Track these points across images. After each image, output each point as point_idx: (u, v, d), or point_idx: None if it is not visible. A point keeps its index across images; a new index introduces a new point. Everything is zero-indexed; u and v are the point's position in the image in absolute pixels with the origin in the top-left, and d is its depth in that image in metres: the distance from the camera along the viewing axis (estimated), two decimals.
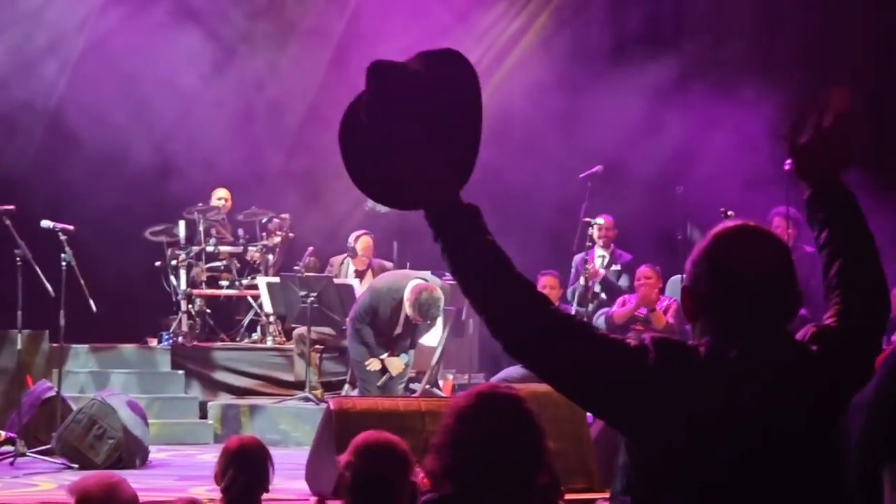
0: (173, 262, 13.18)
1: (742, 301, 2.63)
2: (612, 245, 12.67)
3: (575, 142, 13.09)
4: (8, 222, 10.00)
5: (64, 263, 9.93)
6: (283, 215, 13.67)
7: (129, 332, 13.05)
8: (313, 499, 7.89)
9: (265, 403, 12.01)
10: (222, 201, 13.76)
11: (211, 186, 13.76)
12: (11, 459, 9.50)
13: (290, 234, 13.72)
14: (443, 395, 11.44)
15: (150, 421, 10.38)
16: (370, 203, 12.26)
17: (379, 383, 11.04)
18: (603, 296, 12.29)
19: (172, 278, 13.22)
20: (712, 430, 2.54)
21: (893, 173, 12.27)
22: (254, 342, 13.31)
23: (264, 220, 13.66)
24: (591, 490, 8.09)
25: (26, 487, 8.68)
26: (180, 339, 12.87)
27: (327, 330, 12.17)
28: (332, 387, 12.24)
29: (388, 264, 12.75)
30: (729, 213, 9.86)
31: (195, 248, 13.22)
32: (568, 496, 5.26)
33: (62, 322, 9.96)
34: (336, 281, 12.16)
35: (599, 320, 11.62)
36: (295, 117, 14.75)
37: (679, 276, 11.60)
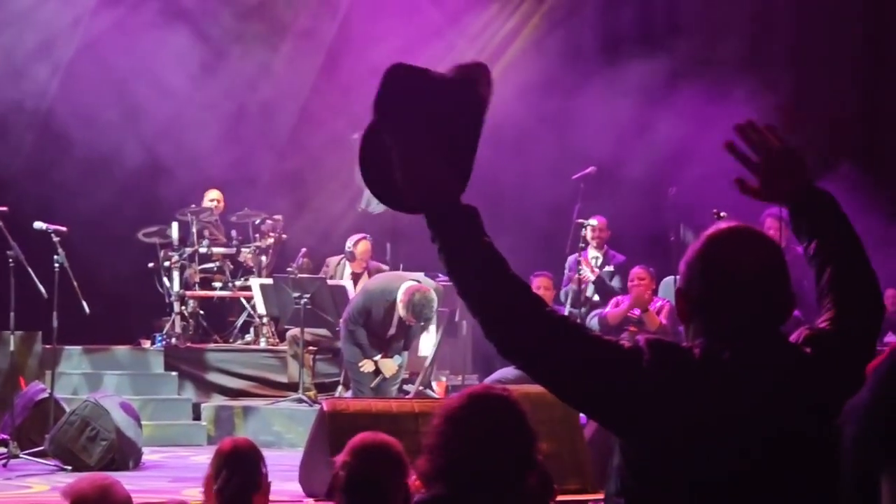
0: (166, 264, 13.16)
1: (736, 302, 2.62)
2: (606, 246, 12.67)
3: (568, 143, 13.08)
4: (0, 223, 9.98)
5: (57, 265, 9.93)
6: (275, 217, 13.65)
7: (122, 333, 13.03)
8: (307, 500, 7.89)
9: (259, 405, 11.99)
10: (215, 203, 13.73)
11: (203, 188, 13.74)
12: (4, 461, 9.46)
13: (283, 236, 13.71)
14: (437, 396, 11.44)
15: (143, 422, 10.34)
16: (363, 204, 12.27)
17: (372, 385, 11.03)
18: (596, 298, 12.29)
19: (165, 280, 13.20)
20: (707, 432, 2.54)
21: (884, 174, 12.30)
22: (247, 344, 13.29)
23: (257, 222, 13.64)
24: (585, 491, 8.09)
25: (19, 489, 8.65)
26: (173, 340, 12.85)
27: (321, 331, 12.16)
28: (325, 388, 12.23)
29: (385, 268, 12.73)
30: (721, 214, 9.88)
31: (188, 250, 13.20)
32: (562, 497, 5.26)
33: (55, 323, 9.94)
34: (329, 282, 12.14)
35: (593, 321, 11.63)
36: (287, 118, 14.73)
37: (672, 277, 11.61)
